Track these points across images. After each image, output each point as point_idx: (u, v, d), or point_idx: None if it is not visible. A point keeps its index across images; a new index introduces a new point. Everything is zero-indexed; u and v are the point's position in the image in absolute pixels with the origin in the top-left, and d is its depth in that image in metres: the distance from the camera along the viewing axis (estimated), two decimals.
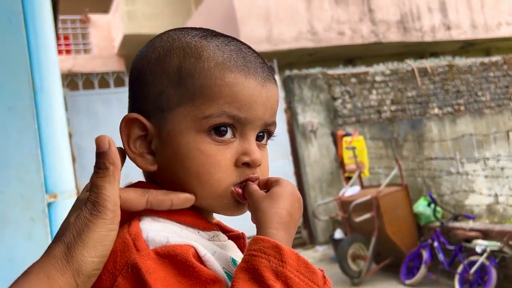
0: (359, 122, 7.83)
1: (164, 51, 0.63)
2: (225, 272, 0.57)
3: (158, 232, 0.56)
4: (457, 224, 5.23)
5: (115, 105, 6.57)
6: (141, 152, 0.63)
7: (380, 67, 8.29)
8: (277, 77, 7.59)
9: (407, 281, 5.13)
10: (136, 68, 0.66)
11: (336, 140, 7.21)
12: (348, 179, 6.59)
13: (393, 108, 8.14)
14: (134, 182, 0.70)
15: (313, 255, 6.82)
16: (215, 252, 0.58)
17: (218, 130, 0.61)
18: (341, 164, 7.02)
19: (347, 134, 6.90)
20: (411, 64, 8.54)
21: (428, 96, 8.48)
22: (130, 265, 0.52)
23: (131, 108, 0.66)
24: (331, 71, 7.82)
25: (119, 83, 7.18)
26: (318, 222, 7.07)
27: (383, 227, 5.32)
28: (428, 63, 8.76)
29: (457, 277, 4.65)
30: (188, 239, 0.56)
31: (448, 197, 7.50)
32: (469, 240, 4.76)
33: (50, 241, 1.84)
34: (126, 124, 0.63)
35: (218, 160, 0.61)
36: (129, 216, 0.60)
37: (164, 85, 0.61)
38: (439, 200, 6.30)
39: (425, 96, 8.46)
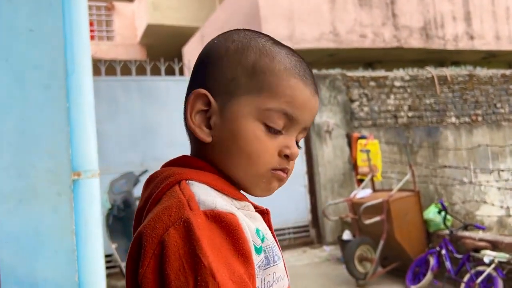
0: (375, 125, 7.84)
1: (243, 46, 0.72)
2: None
3: (207, 196, 0.63)
4: (466, 234, 5.23)
5: (135, 92, 6.68)
6: (199, 124, 0.71)
7: (400, 73, 8.28)
8: None
9: (413, 286, 5.14)
10: (213, 52, 0.74)
11: (350, 142, 7.24)
12: (360, 181, 6.62)
13: (410, 114, 8.13)
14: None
15: (320, 255, 6.88)
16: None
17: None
18: (354, 166, 7.05)
19: (362, 137, 6.93)
20: (431, 71, 8.51)
21: (446, 104, 8.45)
22: (183, 220, 0.59)
23: (197, 84, 0.73)
24: (350, 73, 7.84)
25: (140, 71, 7.29)
26: (327, 222, 7.12)
27: (392, 231, 5.35)
28: (448, 71, 8.72)
29: (463, 286, 4.66)
30: (230, 207, 0.63)
31: (459, 207, 7.48)
32: (477, 250, 4.76)
33: (74, 216, 1.93)
34: (195, 97, 0.71)
35: (267, 146, 0.70)
36: (174, 177, 0.67)
37: (238, 73, 0.70)
38: (450, 208, 6.30)
39: (443, 104, 8.44)
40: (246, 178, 0.71)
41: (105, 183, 5.31)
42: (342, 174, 7.51)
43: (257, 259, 0.64)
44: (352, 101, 7.74)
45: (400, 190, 5.72)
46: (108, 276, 6.26)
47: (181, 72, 7.88)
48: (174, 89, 6.78)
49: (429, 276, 5.07)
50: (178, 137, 6.59)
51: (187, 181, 0.66)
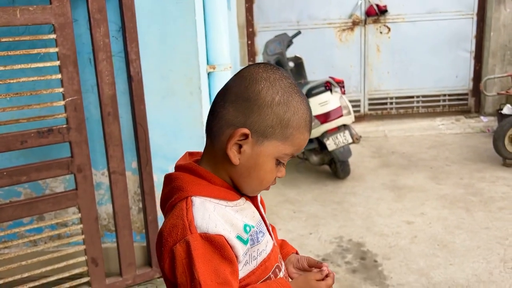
0: None
1: (285, 102, 0.89)
2: (238, 237, 0.87)
3: (203, 220, 0.84)
4: None
5: None
6: (234, 150, 0.89)
7: None
8: None
9: None
10: (260, 97, 0.88)
11: None
12: None
13: None
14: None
15: (474, 125, 6.59)
16: (232, 225, 0.87)
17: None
18: None
19: None
20: None
21: None
22: (185, 240, 0.81)
23: (242, 119, 0.88)
24: None
25: None
26: (489, 92, 6.62)
27: None
28: None
29: None
30: (221, 228, 0.84)
31: None
32: None
33: (203, 110, 2.43)
34: (239, 134, 0.87)
35: (274, 175, 0.96)
36: (182, 193, 0.89)
37: (276, 124, 0.88)
38: None
39: None
40: (249, 190, 0.96)
41: (264, 39, 5.70)
42: None
43: (244, 248, 0.88)
44: None
45: None
46: None
47: None
48: None
49: None
50: None
51: (192, 198, 0.87)
